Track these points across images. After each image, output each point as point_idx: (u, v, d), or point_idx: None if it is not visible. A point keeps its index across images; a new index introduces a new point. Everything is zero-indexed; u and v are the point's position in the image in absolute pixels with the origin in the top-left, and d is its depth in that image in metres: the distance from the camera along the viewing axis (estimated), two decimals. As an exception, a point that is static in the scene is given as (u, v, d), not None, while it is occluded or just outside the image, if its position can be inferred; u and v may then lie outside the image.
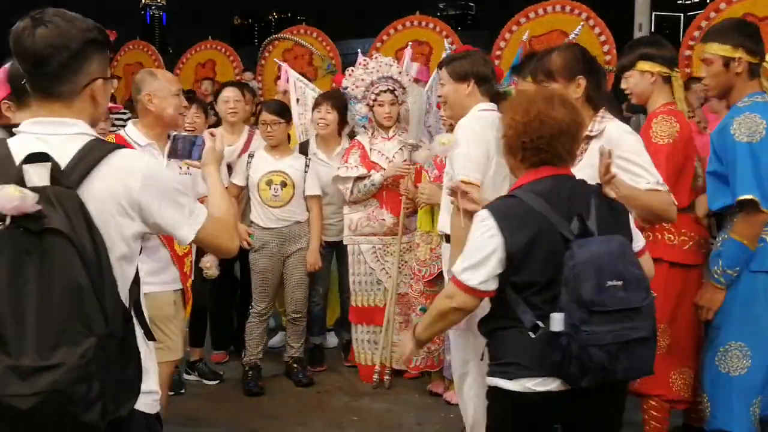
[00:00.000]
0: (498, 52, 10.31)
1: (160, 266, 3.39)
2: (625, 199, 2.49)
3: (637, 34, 9.69)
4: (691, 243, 3.42)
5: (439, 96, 3.84)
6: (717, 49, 3.09)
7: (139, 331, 1.87)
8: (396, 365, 4.71)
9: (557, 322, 2.13)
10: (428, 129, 4.98)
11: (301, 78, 5.49)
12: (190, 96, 5.23)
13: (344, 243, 4.80)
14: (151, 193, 1.84)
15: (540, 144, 2.27)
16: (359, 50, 5.17)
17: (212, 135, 2.39)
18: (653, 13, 11.60)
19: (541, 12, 10.36)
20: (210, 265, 4.37)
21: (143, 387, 1.82)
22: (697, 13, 9.87)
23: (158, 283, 3.34)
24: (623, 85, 3.52)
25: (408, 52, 5.33)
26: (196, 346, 4.93)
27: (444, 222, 3.48)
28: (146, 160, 1.90)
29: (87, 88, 1.84)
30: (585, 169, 2.69)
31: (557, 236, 2.20)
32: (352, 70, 4.74)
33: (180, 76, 13.67)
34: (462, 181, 3.02)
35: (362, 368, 4.83)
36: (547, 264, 2.21)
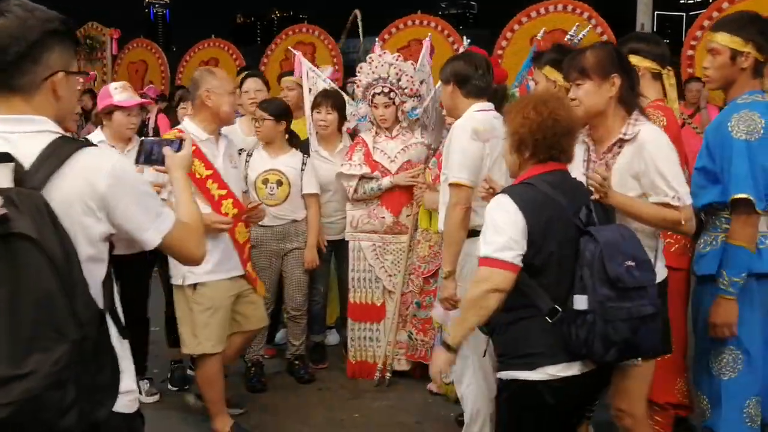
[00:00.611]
0: (500, 52, 10.32)
1: (224, 256, 3.77)
2: (621, 209, 2.64)
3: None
4: (677, 246, 3.44)
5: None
6: (727, 41, 2.97)
7: (113, 330, 1.83)
8: (398, 367, 4.76)
9: (581, 301, 2.31)
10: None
11: (314, 68, 5.49)
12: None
13: (346, 239, 4.82)
14: (117, 192, 1.77)
15: (552, 141, 2.44)
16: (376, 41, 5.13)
17: (181, 139, 2.33)
18: (655, 13, 11.58)
19: (543, 11, 10.37)
20: None
21: (120, 387, 1.80)
22: (700, 13, 9.87)
23: (223, 271, 3.77)
24: None
25: (426, 44, 5.31)
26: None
27: (443, 221, 3.52)
28: (115, 159, 1.82)
29: (47, 81, 1.76)
30: (615, 175, 2.73)
31: (571, 222, 2.40)
32: (361, 67, 4.75)
33: (183, 75, 13.72)
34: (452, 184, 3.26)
35: (351, 365, 4.84)
36: (562, 247, 2.38)
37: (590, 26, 6.12)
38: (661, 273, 2.81)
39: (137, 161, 2.47)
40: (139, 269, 4.28)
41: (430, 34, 7.44)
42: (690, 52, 9.26)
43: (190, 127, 3.72)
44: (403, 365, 4.76)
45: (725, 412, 3.01)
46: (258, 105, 4.68)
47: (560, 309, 2.35)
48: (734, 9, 9.28)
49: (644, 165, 2.71)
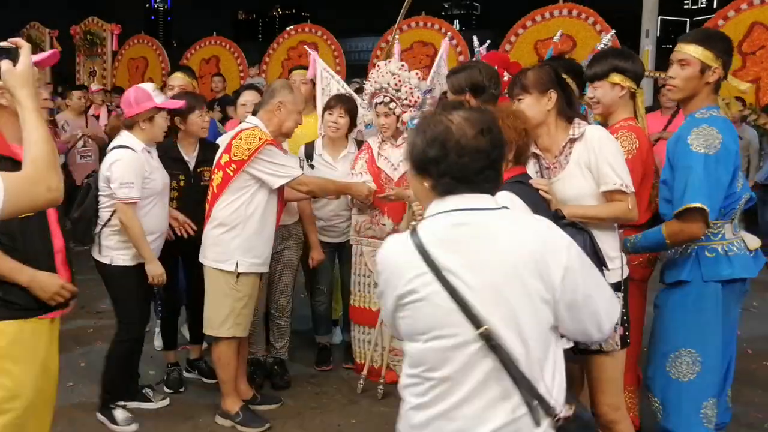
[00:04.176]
0: (503, 55, 10.32)
1: (269, 252, 4.16)
2: (575, 218, 2.84)
3: (643, 40, 9.68)
4: (641, 259, 3.53)
5: None
6: (698, 53, 3.06)
7: None
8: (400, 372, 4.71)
9: None
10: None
11: (328, 69, 5.47)
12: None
13: (350, 243, 4.82)
14: None
15: (526, 146, 2.83)
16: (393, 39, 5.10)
17: (17, 46, 1.92)
18: (659, 18, 11.57)
19: (547, 15, 10.38)
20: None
21: None
22: (704, 18, 9.89)
23: (266, 266, 4.18)
24: (590, 94, 3.53)
25: (445, 45, 5.26)
26: (196, 343, 4.92)
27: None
28: None
29: None
30: (571, 167, 3.04)
31: (551, 215, 2.69)
32: (372, 73, 4.74)
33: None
34: None
35: (360, 365, 4.84)
36: None
37: (613, 32, 6.08)
38: (625, 269, 3.07)
39: None
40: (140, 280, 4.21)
41: (449, 34, 7.44)
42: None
43: (261, 125, 4.00)
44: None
45: (684, 413, 3.11)
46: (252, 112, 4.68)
47: None
48: (739, 18, 9.31)
49: (594, 156, 2.98)
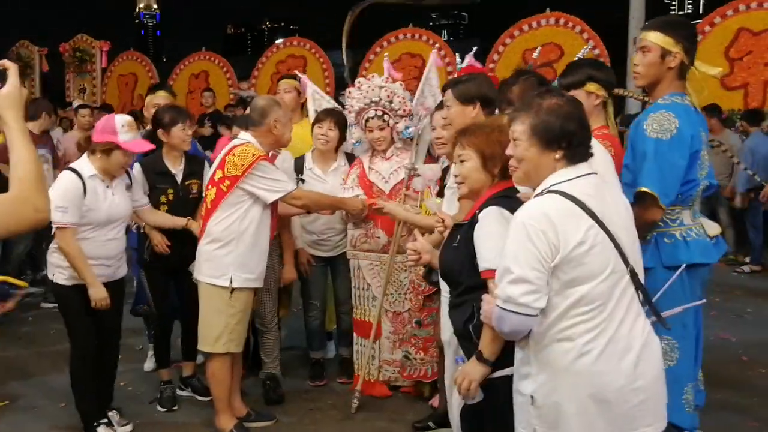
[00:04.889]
0: (491, 65, 10.33)
1: (263, 267, 4.16)
2: None
3: (630, 47, 9.70)
4: None
5: (444, 118, 3.81)
6: (658, 39, 3.13)
7: None
8: (395, 384, 4.71)
9: None
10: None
11: (318, 90, 5.49)
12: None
13: (347, 257, 4.80)
14: None
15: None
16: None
17: (5, 67, 1.91)
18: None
19: (535, 25, 10.41)
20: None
21: None
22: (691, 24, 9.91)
23: (260, 281, 4.17)
24: None
25: (433, 56, 5.27)
26: (189, 359, 4.88)
27: None
28: None
29: None
30: None
31: None
32: (350, 92, 4.71)
33: (173, 88, 13.66)
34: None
35: (357, 378, 4.78)
36: None
37: (588, 48, 6.13)
38: None
39: None
40: (117, 293, 4.19)
41: (438, 45, 7.47)
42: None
43: (254, 141, 4.03)
44: (399, 383, 4.72)
45: (670, 400, 3.05)
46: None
47: None
48: (726, 24, 9.37)
49: None
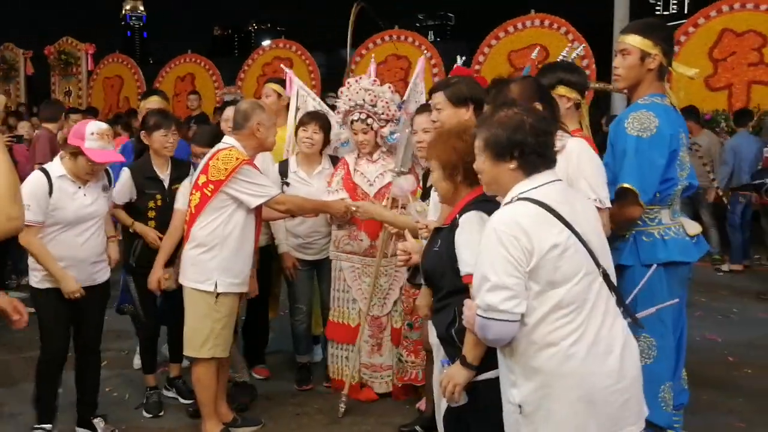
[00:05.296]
0: (477, 67, 10.35)
1: (248, 271, 4.13)
2: None
3: (615, 49, 9.73)
4: None
5: (434, 121, 3.77)
6: (637, 42, 3.21)
7: None
8: (378, 389, 4.70)
9: None
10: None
11: (304, 87, 5.47)
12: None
13: (330, 258, 4.78)
14: None
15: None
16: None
17: None
18: (631, 26, 11.64)
19: (520, 26, 10.42)
20: (168, 276, 4.36)
21: None
22: (676, 24, 9.97)
23: (245, 285, 4.14)
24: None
25: (422, 62, 5.25)
26: (175, 362, 4.87)
27: None
28: None
29: None
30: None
31: None
32: (341, 92, 4.71)
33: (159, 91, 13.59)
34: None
35: (336, 382, 4.81)
36: None
37: (581, 47, 6.17)
38: None
39: None
40: (96, 298, 4.16)
41: (426, 52, 7.48)
42: (666, 67, 9.32)
43: (238, 145, 4.01)
44: (382, 387, 4.70)
45: (647, 398, 3.12)
46: (194, 143, 4.80)
47: None
48: (709, 25, 9.41)
49: (573, 169, 3.05)
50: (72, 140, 3.97)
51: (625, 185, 3.10)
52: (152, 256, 4.43)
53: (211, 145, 4.25)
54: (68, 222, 3.98)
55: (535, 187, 2.40)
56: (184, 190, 4.41)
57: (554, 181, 2.45)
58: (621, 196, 3.13)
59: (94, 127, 3.99)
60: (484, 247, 2.38)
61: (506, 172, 2.44)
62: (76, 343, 4.18)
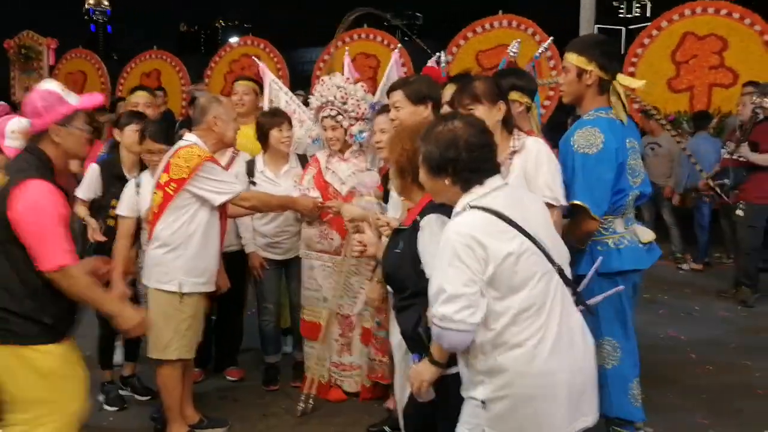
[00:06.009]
0: (444, 65, 10.36)
1: (215, 270, 4.08)
2: None
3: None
4: None
5: (393, 120, 3.79)
6: (574, 59, 3.31)
7: None
8: (348, 388, 4.70)
9: None
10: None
11: (276, 80, 5.45)
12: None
13: (300, 256, 4.76)
14: None
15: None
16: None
17: None
18: (596, 26, 11.82)
19: (488, 27, 10.46)
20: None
21: None
22: (639, 27, 10.12)
23: (211, 284, 4.09)
24: None
25: (394, 57, 5.26)
26: (130, 361, 4.86)
27: None
28: None
29: None
30: (512, 180, 3.09)
31: None
32: (316, 88, 4.70)
33: (123, 86, 13.41)
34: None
35: (305, 379, 4.74)
36: None
37: (548, 41, 6.30)
38: None
39: None
40: None
41: (400, 46, 7.51)
42: (631, 69, 9.45)
43: (200, 142, 3.94)
44: (352, 387, 4.69)
45: (614, 397, 3.32)
46: (149, 135, 4.61)
47: None
48: (672, 28, 9.56)
49: (531, 167, 3.18)
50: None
51: (577, 202, 3.20)
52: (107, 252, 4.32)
53: (167, 142, 4.21)
54: None
55: (485, 194, 2.45)
56: (126, 197, 4.35)
57: (502, 186, 2.50)
58: (576, 213, 3.23)
59: (15, 125, 3.89)
60: (440, 259, 2.40)
61: (443, 186, 2.51)
62: None
